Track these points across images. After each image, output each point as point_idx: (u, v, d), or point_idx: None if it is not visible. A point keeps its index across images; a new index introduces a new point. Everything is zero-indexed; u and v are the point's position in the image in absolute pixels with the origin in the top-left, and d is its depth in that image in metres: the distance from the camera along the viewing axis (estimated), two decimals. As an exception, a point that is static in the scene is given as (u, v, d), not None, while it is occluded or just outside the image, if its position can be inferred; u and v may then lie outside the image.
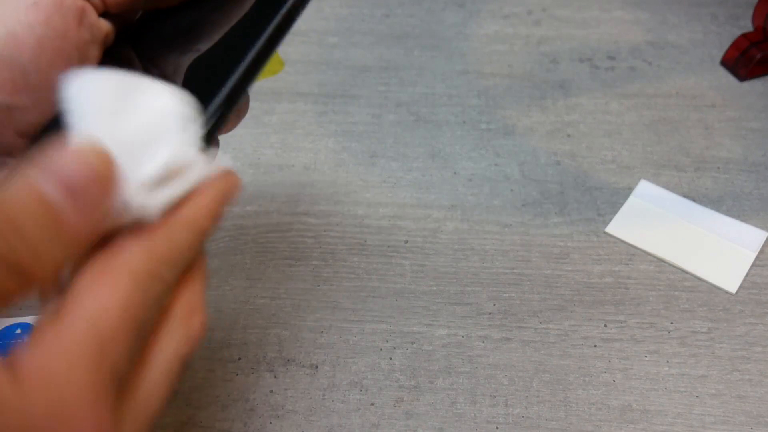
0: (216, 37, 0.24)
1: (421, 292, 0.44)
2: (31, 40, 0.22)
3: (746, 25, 0.61)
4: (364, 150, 0.52)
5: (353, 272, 0.45)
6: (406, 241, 0.47)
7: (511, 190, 0.50)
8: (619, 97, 0.56)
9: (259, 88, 0.56)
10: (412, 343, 0.42)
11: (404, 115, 0.55)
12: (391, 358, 0.41)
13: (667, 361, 0.41)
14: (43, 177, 0.17)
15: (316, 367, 0.41)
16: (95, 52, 0.25)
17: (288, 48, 0.60)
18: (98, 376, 0.17)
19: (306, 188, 0.50)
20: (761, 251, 0.46)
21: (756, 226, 0.47)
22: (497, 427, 0.39)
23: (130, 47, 0.26)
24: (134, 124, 0.18)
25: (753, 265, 0.45)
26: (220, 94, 0.23)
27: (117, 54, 0.26)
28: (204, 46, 0.24)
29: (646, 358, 0.41)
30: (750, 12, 0.59)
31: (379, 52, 0.60)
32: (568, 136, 0.53)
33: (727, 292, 0.44)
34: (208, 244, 0.47)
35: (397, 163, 0.51)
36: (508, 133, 0.54)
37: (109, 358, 0.18)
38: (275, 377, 0.41)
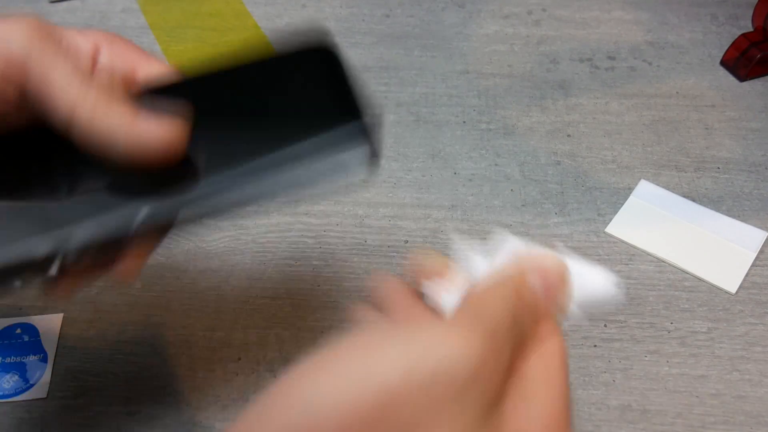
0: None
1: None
2: None
3: (746, 25, 0.61)
4: (364, 150, 0.52)
5: (353, 272, 0.45)
6: (406, 241, 0.47)
7: (511, 190, 0.50)
8: (619, 97, 0.56)
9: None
10: (412, 343, 0.42)
11: (404, 115, 0.55)
12: (391, 358, 0.41)
13: (667, 361, 0.41)
14: (532, 272, 0.23)
15: (316, 367, 0.41)
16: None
17: (288, 48, 0.60)
18: None
19: (306, 188, 0.50)
20: (761, 251, 0.46)
21: (756, 226, 0.47)
22: (497, 427, 0.39)
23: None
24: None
25: (753, 265, 0.45)
26: None
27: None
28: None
29: (646, 358, 0.41)
30: (750, 12, 0.59)
31: (379, 52, 0.60)
32: (568, 136, 0.53)
33: (727, 292, 0.44)
34: (209, 244, 0.47)
35: (397, 163, 0.51)
36: (508, 133, 0.54)
37: None
38: (275, 377, 0.41)
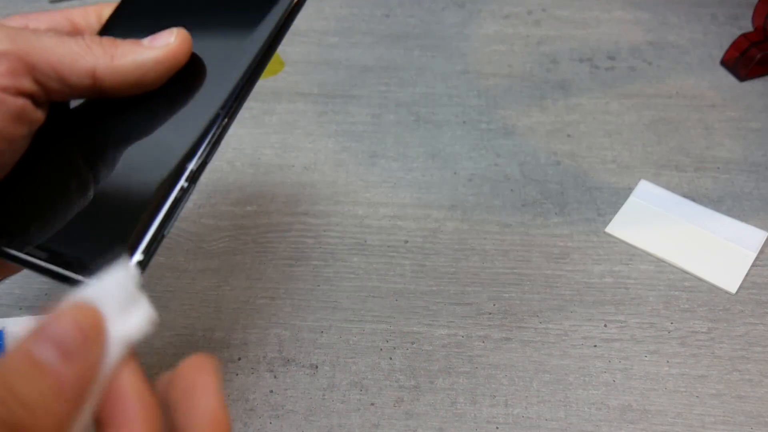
0: (152, 131, 0.27)
1: (421, 292, 0.44)
2: None
3: (746, 25, 0.61)
4: (364, 150, 0.52)
5: (353, 272, 0.45)
6: (406, 241, 0.47)
7: (511, 190, 0.50)
8: (619, 97, 0.56)
9: (259, 88, 0.56)
10: (412, 343, 0.42)
11: (404, 115, 0.55)
12: (391, 358, 0.41)
13: (667, 361, 0.41)
14: (35, 341, 0.18)
15: (316, 367, 0.41)
16: (26, 142, 0.26)
17: (288, 48, 0.60)
18: None
19: (306, 188, 0.50)
20: (761, 251, 0.46)
21: (756, 226, 0.47)
22: (497, 427, 0.39)
23: (67, 134, 0.27)
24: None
25: (753, 265, 0.45)
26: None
27: (54, 144, 0.27)
28: (140, 139, 0.27)
29: (646, 358, 0.41)
30: (750, 12, 0.59)
31: (379, 52, 0.60)
32: (568, 136, 0.53)
33: (727, 292, 0.44)
34: (209, 244, 0.47)
35: (397, 163, 0.51)
36: (508, 133, 0.54)
37: None
38: (275, 377, 0.41)
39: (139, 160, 0.26)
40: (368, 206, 0.49)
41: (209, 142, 0.26)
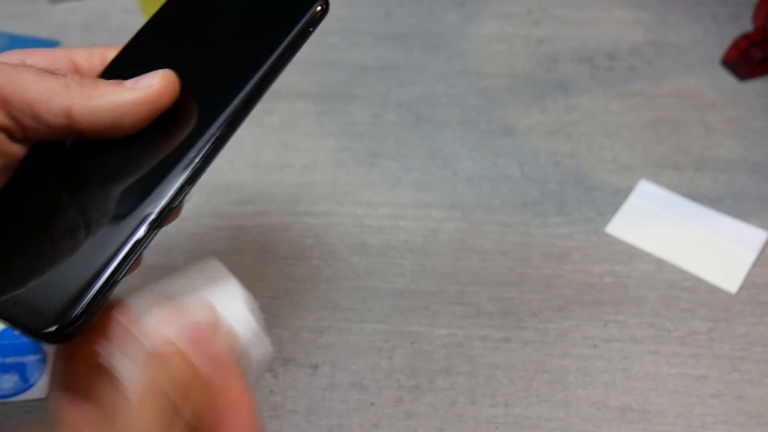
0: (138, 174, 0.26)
1: (421, 292, 0.44)
2: None
3: (746, 25, 0.61)
4: (364, 150, 0.52)
5: (353, 272, 0.45)
6: (406, 241, 0.47)
7: (511, 190, 0.50)
8: (619, 97, 0.56)
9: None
10: (412, 343, 0.42)
11: (404, 115, 0.55)
12: (391, 358, 0.41)
13: (667, 361, 0.41)
14: (195, 351, 0.25)
15: (316, 367, 0.41)
16: (4, 174, 0.25)
17: (288, 48, 0.60)
18: None
19: (306, 188, 0.50)
20: (761, 251, 0.46)
21: (756, 226, 0.47)
22: (497, 427, 0.39)
23: (52, 171, 0.26)
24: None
25: (753, 265, 0.45)
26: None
27: (37, 181, 0.26)
28: (129, 182, 0.26)
29: (646, 358, 0.41)
30: (750, 12, 0.59)
31: (379, 52, 0.60)
32: (568, 136, 0.53)
33: (727, 292, 0.44)
34: (209, 243, 0.47)
35: (397, 163, 0.51)
36: (508, 133, 0.54)
37: None
38: (275, 377, 0.41)
39: (108, 206, 0.25)
40: (368, 206, 0.49)
41: (172, 195, 0.26)
